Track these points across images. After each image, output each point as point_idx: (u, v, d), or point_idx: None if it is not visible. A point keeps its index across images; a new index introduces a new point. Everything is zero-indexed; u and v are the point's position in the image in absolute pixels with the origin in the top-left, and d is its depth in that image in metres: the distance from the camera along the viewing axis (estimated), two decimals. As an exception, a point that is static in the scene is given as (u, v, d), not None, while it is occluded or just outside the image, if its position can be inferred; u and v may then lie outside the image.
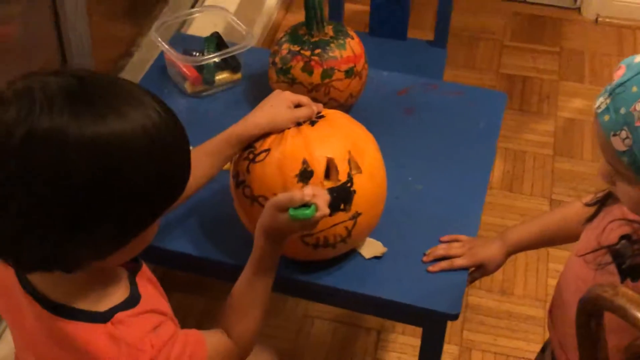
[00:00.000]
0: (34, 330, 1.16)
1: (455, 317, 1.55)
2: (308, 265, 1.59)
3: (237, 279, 1.39)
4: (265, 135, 1.52)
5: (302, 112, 1.52)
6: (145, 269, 1.27)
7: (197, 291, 2.45)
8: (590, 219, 1.38)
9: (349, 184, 1.48)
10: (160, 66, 2.04)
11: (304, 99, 1.54)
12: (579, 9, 3.60)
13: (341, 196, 1.47)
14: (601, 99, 1.15)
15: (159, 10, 2.70)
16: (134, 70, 2.40)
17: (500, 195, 2.80)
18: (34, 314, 1.14)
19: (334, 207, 1.46)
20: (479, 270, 1.63)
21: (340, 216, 1.49)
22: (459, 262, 1.60)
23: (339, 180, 1.47)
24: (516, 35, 3.49)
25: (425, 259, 1.62)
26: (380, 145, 1.60)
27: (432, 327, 1.61)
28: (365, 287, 1.58)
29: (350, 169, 1.48)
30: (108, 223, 1.02)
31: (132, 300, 1.17)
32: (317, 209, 1.32)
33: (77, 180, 0.98)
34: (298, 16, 3.26)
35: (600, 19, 3.54)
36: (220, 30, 2.25)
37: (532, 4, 3.66)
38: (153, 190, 1.05)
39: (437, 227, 1.68)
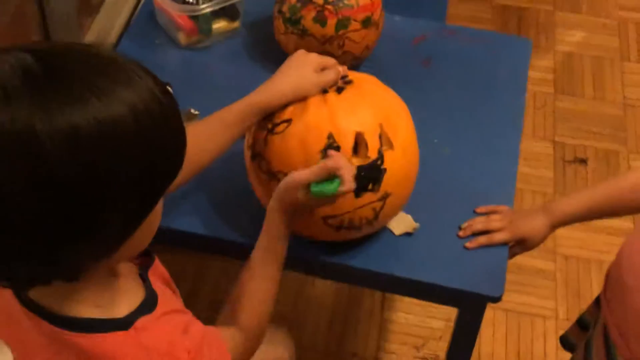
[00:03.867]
0: (42, 352, 0.98)
1: (497, 299, 1.42)
2: (332, 245, 1.43)
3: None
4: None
5: (328, 77, 1.34)
6: (157, 264, 1.10)
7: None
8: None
9: (379, 162, 1.31)
10: (148, 13, 1.82)
11: (329, 61, 1.36)
12: None
13: (370, 175, 1.31)
14: None
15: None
16: (111, 12, 2.17)
17: (502, 138, 2.65)
18: (41, 333, 0.97)
19: (361, 187, 1.30)
20: (520, 245, 1.49)
21: (368, 197, 1.33)
22: (499, 236, 1.46)
23: (368, 157, 1.30)
24: (509, -37, 3.29)
25: (461, 233, 1.47)
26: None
27: (471, 309, 1.47)
28: (398, 268, 1.43)
29: (381, 144, 1.31)
30: (103, 219, 0.84)
31: (151, 300, 1.01)
32: (341, 183, 1.18)
33: (59, 180, 0.79)
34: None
35: (595, -57, 3.35)
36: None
37: None
38: (146, 178, 0.87)
39: (470, 196, 1.53)
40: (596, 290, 1.53)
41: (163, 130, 0.87)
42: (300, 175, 1.20)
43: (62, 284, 0.91)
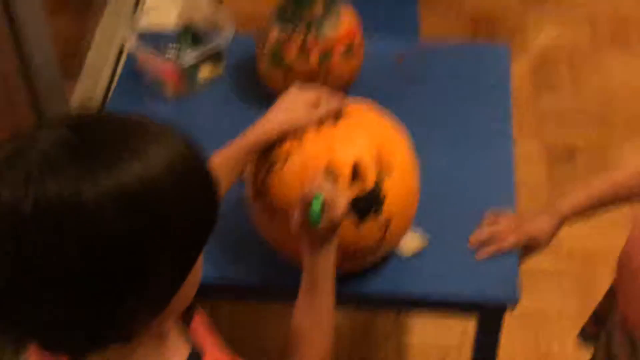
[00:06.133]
0: None
1: (515, 303, 1.44)
2: (344, 273, 1.44)
3: (263, 300, 1.24)
4: (282, 139, 1.36)
5: (321, 111, 1.36)
6: (201, 313, 1.12)
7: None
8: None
9: (377, 190, 1.33)
10: (130, 71, 1.84)
11: (323, 94, 1.38)
12: None
13: (370, 203, 1.33)
14: None
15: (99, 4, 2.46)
16: (92, 74, 2.19)
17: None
18: None
19: (362, 216, 1.33)
20: (530, 248, 1.51)
21: (370, 226, 1.34)
22: (508, 242, 1.48)
23: (367, 187, 1.32)
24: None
25: (471, 245, 1.49)
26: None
27: (490, 317, 1.49)
28: (413, 287, 1.45)
29: (379, 172, 1.33)
30: (154, 275, 0.87)
31: (197, 353, 1.02)
32: (324, 196, 1.17)
33: (110, 242, 0.82)
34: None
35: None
36: (180, 15, 2.05)
37: None
38: (190, 226, 0.90)
39: (474, 205, 1.56)
40: (604, 283, 1.55)
41: (198, 181, 0.91)
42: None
43: (117, 349, 0.92)
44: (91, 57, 2.26)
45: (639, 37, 3.01)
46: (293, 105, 1.36)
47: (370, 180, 1.32)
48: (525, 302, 2.23)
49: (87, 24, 2.37)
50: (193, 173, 0.89)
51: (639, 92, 2.81)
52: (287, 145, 1.35)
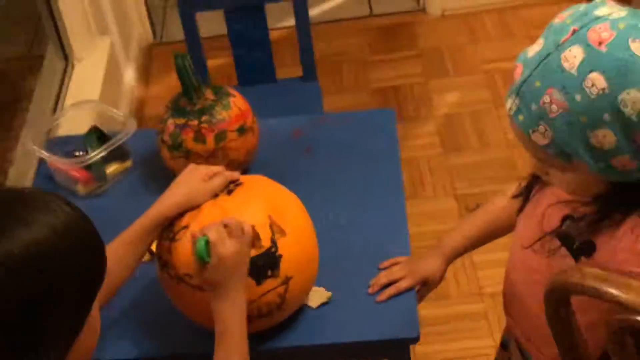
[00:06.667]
0: None
1: (416, 340, 1.55)
2: (257, 333, 1.54)
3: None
4: (183, 212, 1.48)
5: (215, 183, 1.49)
6: None
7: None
8: (521, 209, 1.40)
9: (273, 249, 1.45)
10: (45, 176, 1.95)
11: (217, 168, 1.51)
12: (424, 9, 3.69)
13: (266, 263, 1.44)
14: (510, 101, 1.16)
15: (19, 120, 2.58)
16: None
17: (407, 205, 2.81)
18: None
19: (261, 275, 1.44)
20: (426, 286, 1.63)
21: (270, 283, 1.45)
22: (403, 284, 1.60)
23: (263, 247, 1.44)
24: (374, 49, 3.54)
25: (370, 290, 1.61)
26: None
27: (397, 354, 1.59)
28: (323, 337, 1.55)
29: (273, 233, 1.45)
30: (48, 327, 0.98)
31: None
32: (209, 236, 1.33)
33: (2, 305, 0.94)
34: (159, 87, 3.24)
35: (446, 13, 3.64)
36: (92, 123, 2.18)
37: (379, 15, 3.72)
38: (78, 282, 1.01)
39: (372, 255, 1.67)
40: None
41: (83, 240, 1.02)
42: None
43: None
44: (12, 174, 2.36)
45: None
46: (188, 181, 1.49)
47: (265, 241, 1.44)
48: (453, 345, 2.37)
49: (8, 143, 2.48)
50: (77, 233, 1.01)
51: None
52: (185, 218, 1.47)
